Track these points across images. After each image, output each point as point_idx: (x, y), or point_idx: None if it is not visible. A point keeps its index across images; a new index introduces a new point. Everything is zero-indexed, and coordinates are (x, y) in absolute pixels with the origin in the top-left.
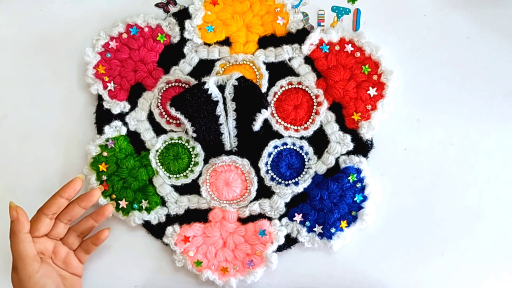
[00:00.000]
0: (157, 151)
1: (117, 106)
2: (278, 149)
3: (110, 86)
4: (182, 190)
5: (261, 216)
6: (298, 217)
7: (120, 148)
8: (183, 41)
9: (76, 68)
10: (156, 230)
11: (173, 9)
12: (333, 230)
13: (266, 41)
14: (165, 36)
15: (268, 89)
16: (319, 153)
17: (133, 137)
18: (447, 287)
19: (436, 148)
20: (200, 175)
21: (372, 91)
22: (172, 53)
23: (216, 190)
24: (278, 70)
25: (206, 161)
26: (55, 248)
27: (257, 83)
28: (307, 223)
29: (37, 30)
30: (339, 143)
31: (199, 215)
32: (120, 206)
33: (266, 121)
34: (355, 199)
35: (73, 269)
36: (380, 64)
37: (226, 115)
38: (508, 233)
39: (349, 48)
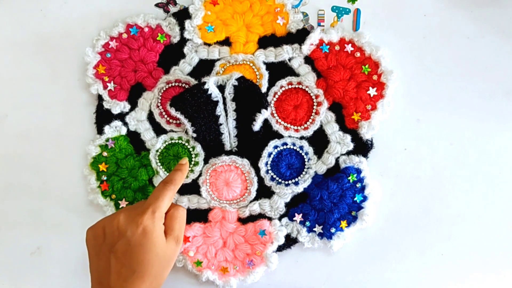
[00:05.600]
0: (157, 151)
1: (117, 106)
2: (278, 149)
3: (110, 86)
4: (182, 190)
5: (261, 216)
6: (298, 217)
7: (120, 148)
8: (183, 41)
9: (76, 68)
10: None
11: (173, 9)
12: (333, 230)
13: (266, 41)
14: (165, 36)
15: (268, 89)
16: (319, 153)
17: (133, 137)
18: (447, 287)
19: (436, 148)
20: (200, 175)
21: (372, 91)
22: (172, 53)
23: (216, 190)
24: (278, 70)
25: (206, 161)
26: None
27: (257, 83)
28: (307, 223)
29: (37, 30)
30: (339, 143)
31: (199, 215)
32: (120, 206)
33: (266, 121)
34: (355, 199)
35: None
36: (380, 64)
37: (226, 115)
38: (508, 233)
39: (349, 48)
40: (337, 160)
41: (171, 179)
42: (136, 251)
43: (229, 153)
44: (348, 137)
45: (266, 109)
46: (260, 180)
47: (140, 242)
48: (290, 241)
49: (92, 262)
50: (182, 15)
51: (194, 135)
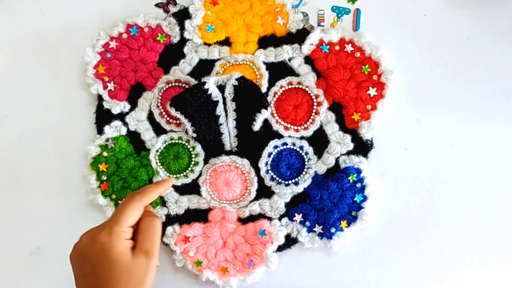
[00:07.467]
0: (157, 151)
1: (117, 106)
2: (278, 149)
3: (110, 86)
4: (182, 190)
5: (261, 216)
6: (298, 217)
7: (120, 148)
8: (183, 41)
9: (76, 68)
10: None
11: (173, 9)
12: (333, 230)
13: (266, 41)
14: (165, 36)
15: (268, 89)
16: (319, 153)
17: (133, 137)
18: (447, 287)
19: (436, 148)
20: (200, 175)
21: (372, 91)
22: (172, 53)
23: (216, 190)
24: (278, 70)
25: (206, 161)
26: None
27: (257, 83)
28: (307, 223)
29: (37, 30)
30: (339, 143)
31: (199, 215)
32: None
33: (266, 121)
34: (355, 199)
35: None
36: (380, 64)
37: (226, 115)
38: (508, 233)
39: (349, 48)
40: (337, 160)
41: (141, 190)
42: (99, 270)
43: (229, 153)
44: (348, 137)
45: (266, 109)
46: (260, 180)
47: (101, 261)
48: (290, 241)
49: (76, 285)
50: (182, 15)
51: (194, 135)
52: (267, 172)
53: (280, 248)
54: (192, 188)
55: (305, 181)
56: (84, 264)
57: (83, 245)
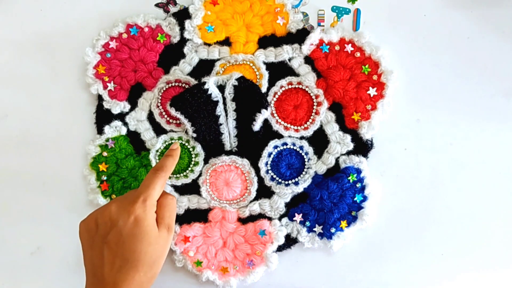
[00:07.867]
0: (157, 151)
1: (117, 106)
2: (278, 149)
3: (110, 86)
4: (182, 190)
5: (261, 216)
6: (298, 217)
7: (120, 148)
8: (183, 41)
9: (76, 68)
10: None
11: (173, 9)
12: (333, 230)
13: (266, 41)
14: (165, 36)
15: (268, 89)
16: (319, 153)
17: (133, 137)
18: (447, 287)
19: (436, 148)
20: (200, 175)
21: (372, 91)
22: (172, 53)
23: (216, 190)
24: (278, 70)
25: (206, 161)
26: None
27: (257, 83)
28: (307, 223)
29: (37, 30)
30: (339, 143)
31: (199, 215)
32: None
33: (266, 121)
34: (355, 199)
35: None
36: (380, 64)
37: (226, 115)
38: (508, 233)
39: (349, 48)
40: (337, 160)
41: (162, 165)
42: (128, 240)
43: (229, 153)
44: (348, 137)
45: (266, 109)
46: (260, 180)
47: (132, 232)
48: (290, 241)
49: (86, 254)
50: (182, 15)
51: (194, 135)
52: (267, 172)
53: (280, 248)
54: (192, 188)
55: (305, 181)
56: (110, 233)
57: (113, 214)
